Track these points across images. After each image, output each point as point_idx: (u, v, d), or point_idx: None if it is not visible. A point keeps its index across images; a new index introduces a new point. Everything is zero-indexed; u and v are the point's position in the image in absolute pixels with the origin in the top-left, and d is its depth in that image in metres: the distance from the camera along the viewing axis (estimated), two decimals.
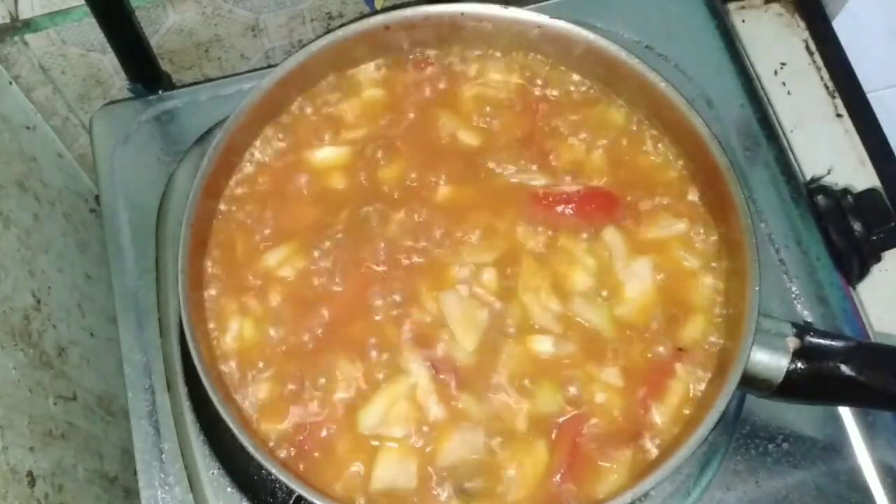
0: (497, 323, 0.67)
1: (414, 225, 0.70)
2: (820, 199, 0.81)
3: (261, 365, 0.67)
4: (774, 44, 0.99)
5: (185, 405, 0.72)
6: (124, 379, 0.74)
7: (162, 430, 0.72)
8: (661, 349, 0.66)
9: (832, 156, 0.93)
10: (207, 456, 0.70)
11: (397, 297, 0.67)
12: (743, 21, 1.00)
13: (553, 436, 0.64)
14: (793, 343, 0.62)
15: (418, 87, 0.75)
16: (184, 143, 0.82)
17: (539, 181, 0.71)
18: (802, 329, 0.63)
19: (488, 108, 0.74)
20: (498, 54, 0.75)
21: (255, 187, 0.72)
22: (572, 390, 0.65)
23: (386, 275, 0.68)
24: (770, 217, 0.79)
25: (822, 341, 0.63)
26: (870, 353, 0.63)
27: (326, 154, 0.73)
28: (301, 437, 0.64)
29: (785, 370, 0.62)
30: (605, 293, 0.68)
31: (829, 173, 0.92)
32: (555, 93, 0.75)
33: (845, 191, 0.82)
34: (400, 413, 0.64)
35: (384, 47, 0.74)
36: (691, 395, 0.65)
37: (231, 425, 0.61)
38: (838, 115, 0.96)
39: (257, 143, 0.73)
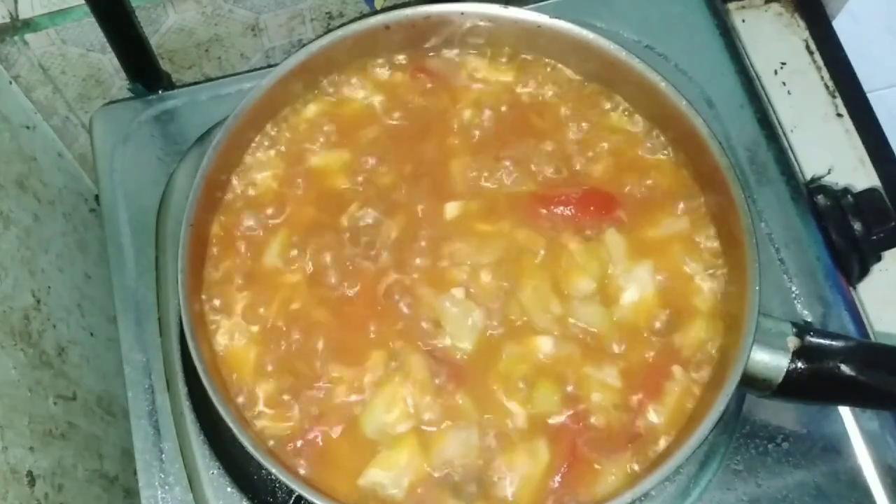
0: (496, 324, 0.67)
1: (413, 226, 0.70)
2: (820, 198, 0.81)
3: (261, 365, 0.67)
4: (774, 44, 0.99)
5: (185, 405, 0.72)
6: (124, 379, 0.74)
7: (162, 430, 0.72)
8: (660, 351, 0.66)
9: (832, 156, 0.93)
10: (207, 456, 0.70)
11: (396, 298, 0.67)
12: (743, 21, 1.00)
13: (552, 436, 0.64)
14: (793, 343, 0.62)
15: (418, 88, 0.75)
16: (184, 143, 0.82)
17: (538, 182, 0.71)
18: (802, 329, 0.63)
19: (488, 108, 0.74)
20: (498, 54, 0.75)
21: (256, 187, 0.72)
22: (571, 391, 0.65)
23: (385, 276, 0.68)
24: (770, 217, 0.79)
25: (822, 341, 0.63)
26: (870, 353, 0.63)
27: (327, 155, 0.73)
28: (300, 438, 0.64)
29: (785, 370, 0.62)
30: (604, 294, 0.68)
31: (829, 173, 0.92)
32: (554, 92, 0.75)
33: (845, 191, 0.82)
34: (398, 413, 0.64)
35: (384, 47, 0.74)
36: (690, 396, 0.65)
37: (231, 425, 0.61)
38: (838, 115, 0.96)
39: (258, 143, 0.73)
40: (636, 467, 0.63)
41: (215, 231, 0.70)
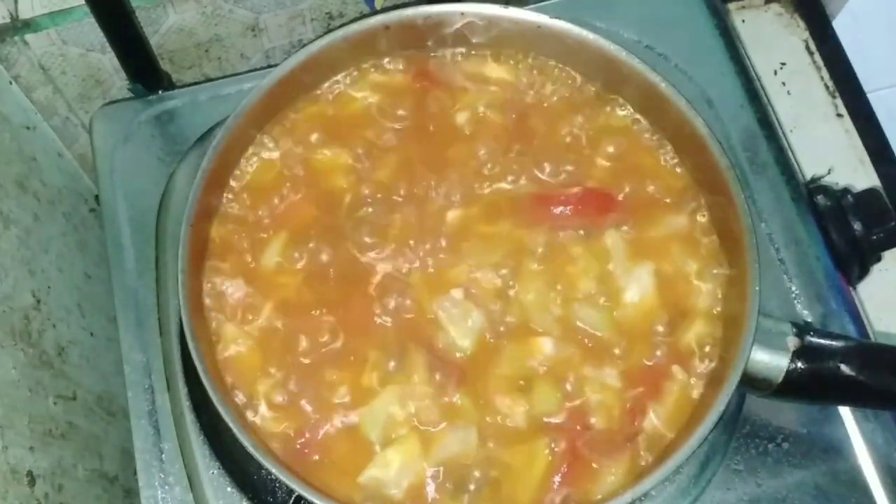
0: (496, 324, 0.67)
1: (413, 226, 0.70)
2: (820, 199, 0.81)
3: (261, 364, 0.67)
4: (774, 44, 0.99)
5: (185, 405, 0.72)
6: (124, 379, 0.74)
7: (162, 430, 0.72)
8: (660, 351, 0.66)
9: (832, 156, 0.93)
10: (207, 456, 0.70)
11: (396, 298, 0.67)
12: (743, 21, 1.00)
13: (552, 436, 0.64)
14: (793, 343, 0.62)
15: (418, 88, 0.75)
16: (184, 143, 0.82)
17: (538, 182, 0.71)
18: (802, 329, 0.63)
19: (488, 109, 0.74)
20: (498, 54, 0.75)
21: (256, 187, 0.72)
22: (571, 391, 0.65)
23: (385, 276, 0.68)
24: (770, 217, 0.79)
25: (822, 341, 0.63)
26: (870, 353, 0.63)
27: (326, 155, 0.73)
28: (300, 438, 0.64)
29: (785, 370, 0.62)
30: (605, 295, 0.68)
31: (829, 173, 0.92)
32: (554, 93, 0.75)
33: (845, 191, 0.82)
34: (398, 414, 0.64)
35: (384, 47, 0.74)
36: (690, 396, 0.65)
37: (231, 425, 0.61)
38: (838, 115, 0.96)
39: (258, 143, 0.73)
40: (636, 467, 0.63)
41: (215, 231, 0.70)
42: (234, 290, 0.69)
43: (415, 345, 0.66)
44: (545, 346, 0.66)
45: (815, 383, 0.62)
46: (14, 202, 0.84)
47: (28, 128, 0.92)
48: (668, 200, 0.71)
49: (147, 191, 0.80)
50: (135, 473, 0.72)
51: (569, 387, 0.65)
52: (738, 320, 0.63)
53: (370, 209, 0.71)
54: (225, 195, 0.71)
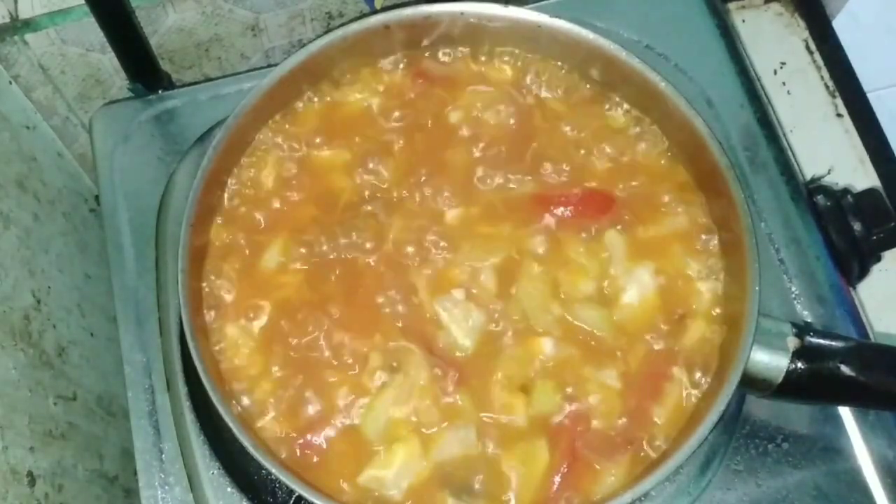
0: (497, 325, 0.67)
1: (413, 226, 0.70)
2: (820, 198, 0.81)
3: (261, 365, 0.67)
4: (774, 43, 0.99)
5: (185, 405, 0.72)
6: (124, 379, 0.74)
7: (162, 430, 0.72)
8: (660, 352, 0.66)
9: (832, 156, 0.93)
10: (207, 456, 0.70)
11: (397, 299, 0.67)
12: (743, 21, 1.00)
13: (552, 437, 0.64)
14: (793, 343, 0.62)
15: (418, 88, 0.75)
16: (184, 143, 0.82)
17: (538, 182, 0.71)
18: (802, 329, 0.63)
19: (487, 108, 0.74)
20: (497, 54, 0.75)
21: (256, 187, 0.72)
22: (571, 392, 0.65)
23: (385, 276, 0.68)
24: (770, 217, 0.79)
25: (822, 341, 0.63)
26: (870, 353, 0.63)
27: (326, 155, 0.73)
28: (300, 438, 0.64)
29: (785, 370, 0.62)
30: (605, 295, 0.68)
31: (829, 173, 0.92)
32: (554, 93, 0.75)
33: (845, 191, 0.82)
34: (398, 414, 0.64)
35: (384, 47, 0.74)
36: (690, 397, 0.65)
37: (231, 425, 0.61)
38: (838, 115, 0.96)
39: (257, 142, 0.73)
40: (636, 467, 0.63)
41: (215, 231, 0.70)
42: (234, 289, 0.69)
43: (415, 345, 0.66)
44: (546, 346, 0.66)
45: (815, 383, 0.63)
46: (14, 202, 0.84)
47: (28, 127, 0.92)
48: (668, 200, 0.71)
49: (147, 191, 0.80)
50: (135, 473, 0.72)
51: (569, 387, 0.65)
52: (738, 320, 0.63)
53: (370, 209, 0.71)
54: (225, 195, 0.72)
